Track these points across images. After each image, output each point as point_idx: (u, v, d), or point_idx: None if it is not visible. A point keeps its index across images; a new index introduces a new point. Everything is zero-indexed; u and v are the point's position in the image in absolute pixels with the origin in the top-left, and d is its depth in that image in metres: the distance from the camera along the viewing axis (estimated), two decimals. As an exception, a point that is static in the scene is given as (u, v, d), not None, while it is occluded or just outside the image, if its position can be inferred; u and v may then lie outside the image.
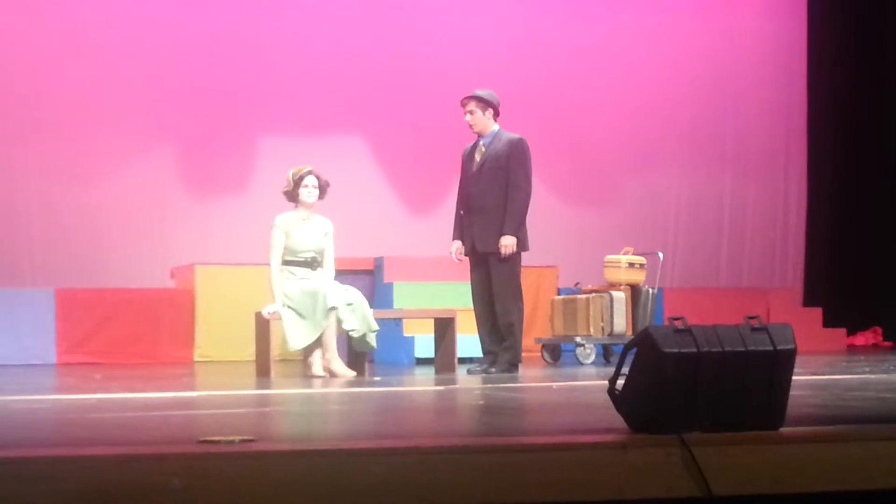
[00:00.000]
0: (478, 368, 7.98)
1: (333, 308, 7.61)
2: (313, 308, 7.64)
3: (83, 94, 11.72)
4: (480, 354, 8.27)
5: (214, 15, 12.22)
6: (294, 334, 7.68)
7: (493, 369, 7.89)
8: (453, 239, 8.20)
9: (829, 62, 13.81)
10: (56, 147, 11.63)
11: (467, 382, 7.03)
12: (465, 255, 8.14)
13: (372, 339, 7.87)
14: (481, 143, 8.09)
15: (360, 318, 7.75)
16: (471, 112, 8.03)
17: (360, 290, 7.95)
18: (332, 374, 7.62)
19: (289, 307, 7.75)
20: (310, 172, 8.05)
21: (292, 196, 8.06)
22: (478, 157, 8.06)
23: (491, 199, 7.97)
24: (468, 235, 8.08)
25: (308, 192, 8.02)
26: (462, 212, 8.15)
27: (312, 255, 8.00)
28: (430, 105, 12.37)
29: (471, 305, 8.15)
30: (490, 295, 8.00)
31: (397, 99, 12.60)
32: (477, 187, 8.03)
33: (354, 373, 7.72)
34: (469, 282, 8.16)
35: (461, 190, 8.22)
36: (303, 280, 7.86)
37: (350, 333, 7.75)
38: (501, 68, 12.36)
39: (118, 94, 11.79)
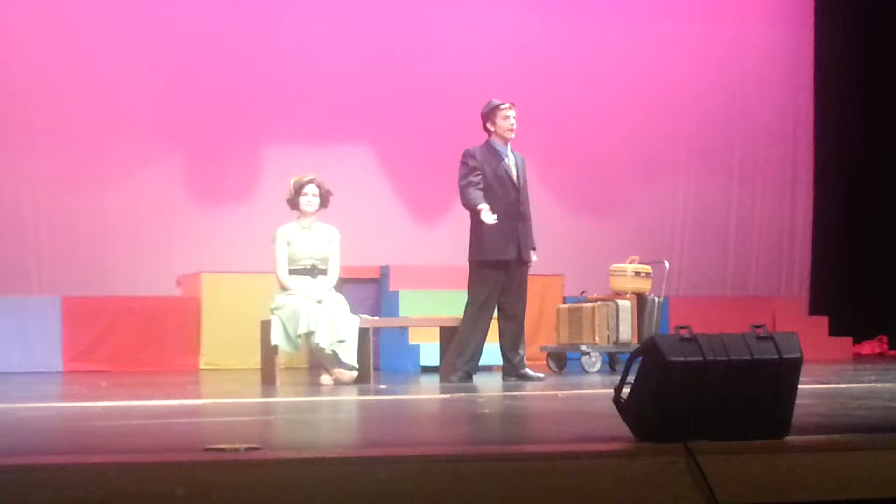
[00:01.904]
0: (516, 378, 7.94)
1: (310, 333, 7.68)
2: (294, 327, 7.73)
3: (90, 104, 11.73)
4: (490, 363, 8.24)
5: (221, 25, 12.23)
6: (276, 336, 7.84)
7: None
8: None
9: (836, 72, 13.78)
10: (63, 156, 11.63)
11: (472, 391, 7.03)
12: (499, 260, 7.91)
13: (345, 355, 7.71)
14: (509, 152, 8.06)
15: (330, 330, 7.73)
16: (515, 118, 8.06)
17: (345, 298, 7.98)
18: (339, 381, 7.73)
19: (277, 315, 7.84)
20: (311, 181, 8.08)
21: (293, 204, 8.11)
22: (513, 167, 8.04)
23: (528, 209, 8.11)
24: (511, 241, 7.92)
25: (307, 200, 8.05)
26: (497, 216, 7.74)
27: (313, 262, 8.04)
28: (436, 114, 12.38)
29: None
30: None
31: (403, 108, 12.59)
32: (521, 195, 8.03)
33: (355, 372, 7.76)
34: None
35: (493, 195, 7.86)
36: (292, 296, 7.86)
37: (323, 350, 7.75)
38: (509, 78, 12.35)
39: (124, 104, 11.80)
